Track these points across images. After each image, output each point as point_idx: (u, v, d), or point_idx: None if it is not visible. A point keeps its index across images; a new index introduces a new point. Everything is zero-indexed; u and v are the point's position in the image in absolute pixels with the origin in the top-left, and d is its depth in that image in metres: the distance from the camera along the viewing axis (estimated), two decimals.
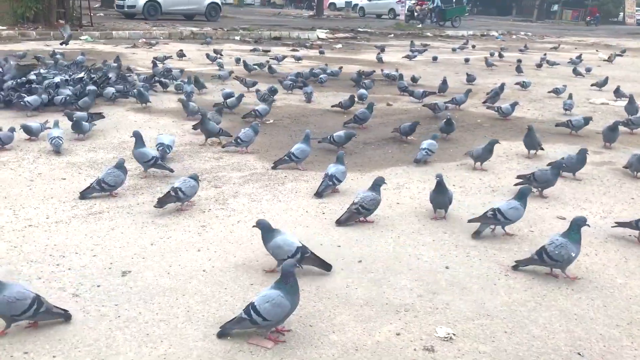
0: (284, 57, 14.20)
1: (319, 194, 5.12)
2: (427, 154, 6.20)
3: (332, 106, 8.78)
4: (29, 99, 7.58)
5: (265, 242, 3.65)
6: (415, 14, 34.76)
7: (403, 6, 36.72)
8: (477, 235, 4.35)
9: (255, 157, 6.27)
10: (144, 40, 17.79)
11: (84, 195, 4.84)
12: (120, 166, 4.89)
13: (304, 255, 3.62)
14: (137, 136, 5.40)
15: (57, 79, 8.72)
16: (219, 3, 28.02)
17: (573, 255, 3.65)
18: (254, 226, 3.76)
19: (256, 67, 12.12)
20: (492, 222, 4.32)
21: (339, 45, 20.04)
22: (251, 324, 2.90)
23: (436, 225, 4.58)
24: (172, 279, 3.56)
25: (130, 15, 25.70)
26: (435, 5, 34.59)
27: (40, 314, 2.95)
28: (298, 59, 14.41)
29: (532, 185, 5.16)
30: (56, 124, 6.28)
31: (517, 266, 3.84)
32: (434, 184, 4.69)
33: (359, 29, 26.99)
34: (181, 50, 14.22)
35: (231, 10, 42.33)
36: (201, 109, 7.56)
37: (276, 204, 4.94)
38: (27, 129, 6.33)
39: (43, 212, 4.53)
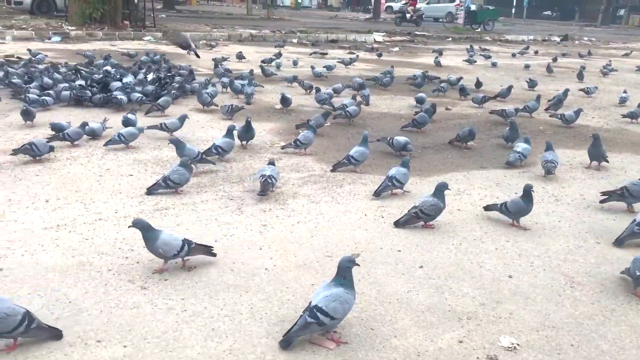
0: (351, 60, 14.24)
1: (377, 194, 5.13)
2: (519, 157, 6.15)
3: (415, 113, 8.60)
4: (121, 95, 8.01)
5: (150, 242, 3.56)
6: (408, 15, 33.19)
7: (461, 10, 36.04)
8: (619, 243, 4.33)
9: (314, 159, 6.32)
10: (205, 41, 18.20)
11: (151, 191, 5.00)
12: (185, 165, 5.03)
13: (190, 247, 3.65)
14: (176, 142, 5.58)
15: (127, 79, 9.08)
16: None
17: None
18: (129, 226, 3.67)
19: (274, 73, 11.82)
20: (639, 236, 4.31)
21: (396, 49, 19.94)
22: (319, 327, 2.90)
23: (499, 233, 4.50)
24: (235, 276, 3.63)
25: (23, 11, 23.28)
26: (466, 6, 33.69)
27: (32, 330, 2.81)
28: (350, 61, 14.43)
29: (624, 201, 5.03)
30: (126, 121, 6.54)
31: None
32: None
33: (416, 32, 26.80)
34: (240, 52, 14.47)
35: (288, 12, 42.81)
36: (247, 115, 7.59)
37: (335, 205, 4.96)
38: (91, 132, 6.51)
39: (112, 206, 4.70)
